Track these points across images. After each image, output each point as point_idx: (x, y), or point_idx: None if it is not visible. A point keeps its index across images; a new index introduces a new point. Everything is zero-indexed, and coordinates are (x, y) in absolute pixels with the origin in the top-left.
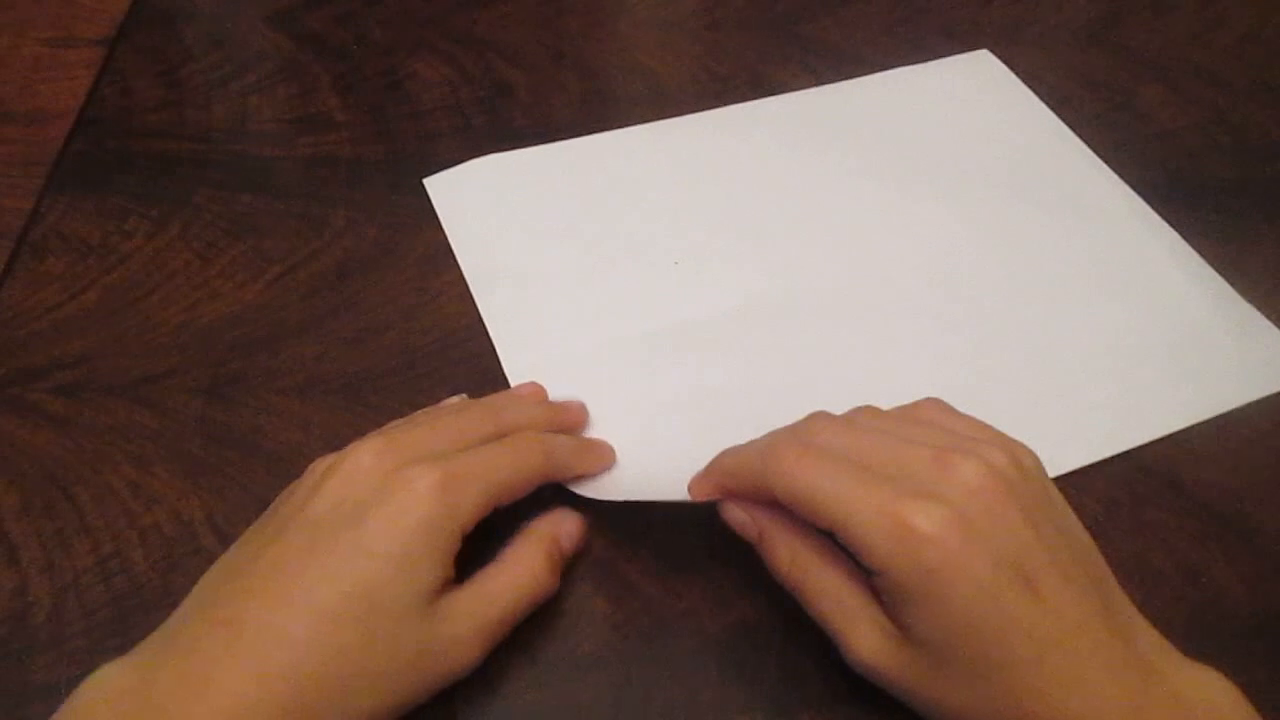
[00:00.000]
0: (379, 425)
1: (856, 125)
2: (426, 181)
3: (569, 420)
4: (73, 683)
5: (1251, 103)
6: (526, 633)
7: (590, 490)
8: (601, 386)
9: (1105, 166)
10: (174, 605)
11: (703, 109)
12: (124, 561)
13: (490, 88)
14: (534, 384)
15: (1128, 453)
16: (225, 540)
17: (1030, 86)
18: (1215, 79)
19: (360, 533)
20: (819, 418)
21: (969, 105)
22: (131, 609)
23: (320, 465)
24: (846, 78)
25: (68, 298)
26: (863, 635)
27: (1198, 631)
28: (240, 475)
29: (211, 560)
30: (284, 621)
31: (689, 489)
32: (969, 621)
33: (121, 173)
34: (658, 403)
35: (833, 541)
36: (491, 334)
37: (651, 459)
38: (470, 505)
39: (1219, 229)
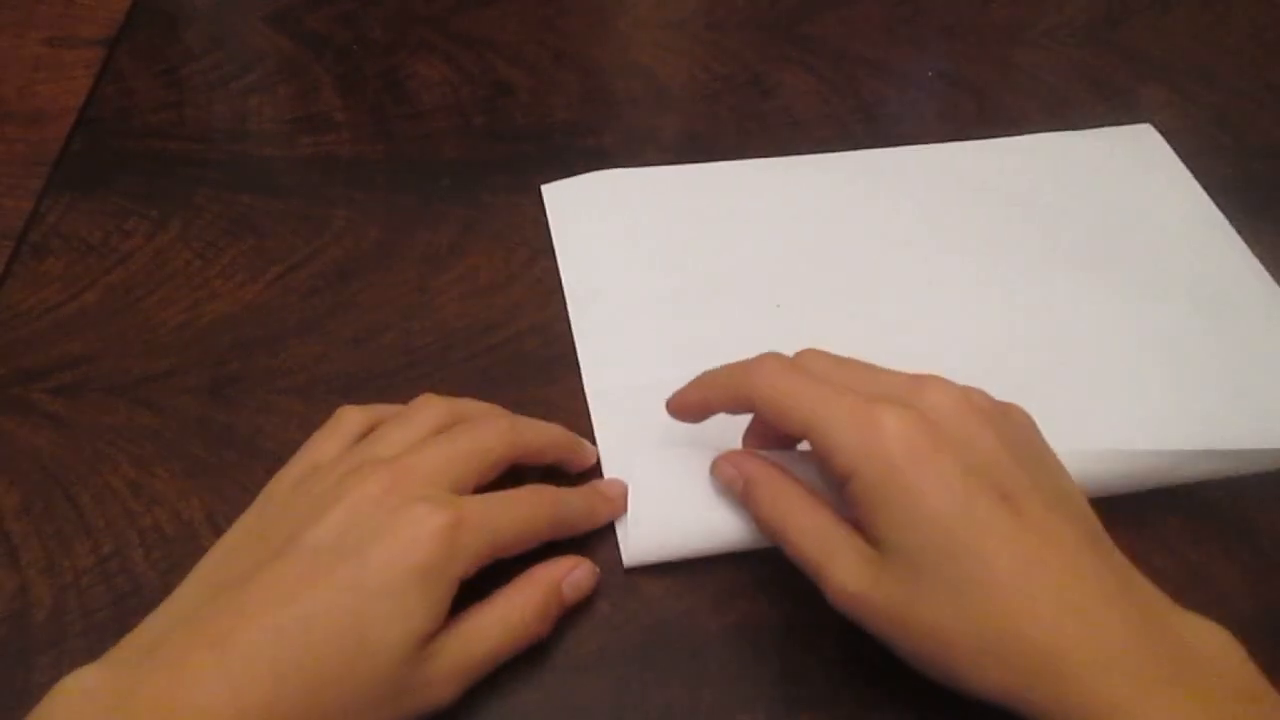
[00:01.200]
0: None
1: (993, 186)
2: (544, 188)
3: (584, 454)
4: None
5: (1252, 103)
6: None
7: (641, 554)
8: (686, 432)
9: (1257, 262)
10: None
11: (702, 109)
12: (124, 561)
13: (490, 88)
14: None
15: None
16: None
17: (1032, 87)
18: (1216, 79)
19: (360, 568)
20: (808, 350)
21: (1118, 180)
22: (132, 609)
23: (320, 453)
24: (847, 78)
25: (68, 298)
26: (841, 566)
27: None
28: (240, 475)
29: None
30: (273, 652)
31: (667, 405)
32: (941, 527)
33: (121, 173)
34: (731, 438)
35: (815, 492)
36: (579, 348)
37: (707, 505)
38: (472, 555)
39: None
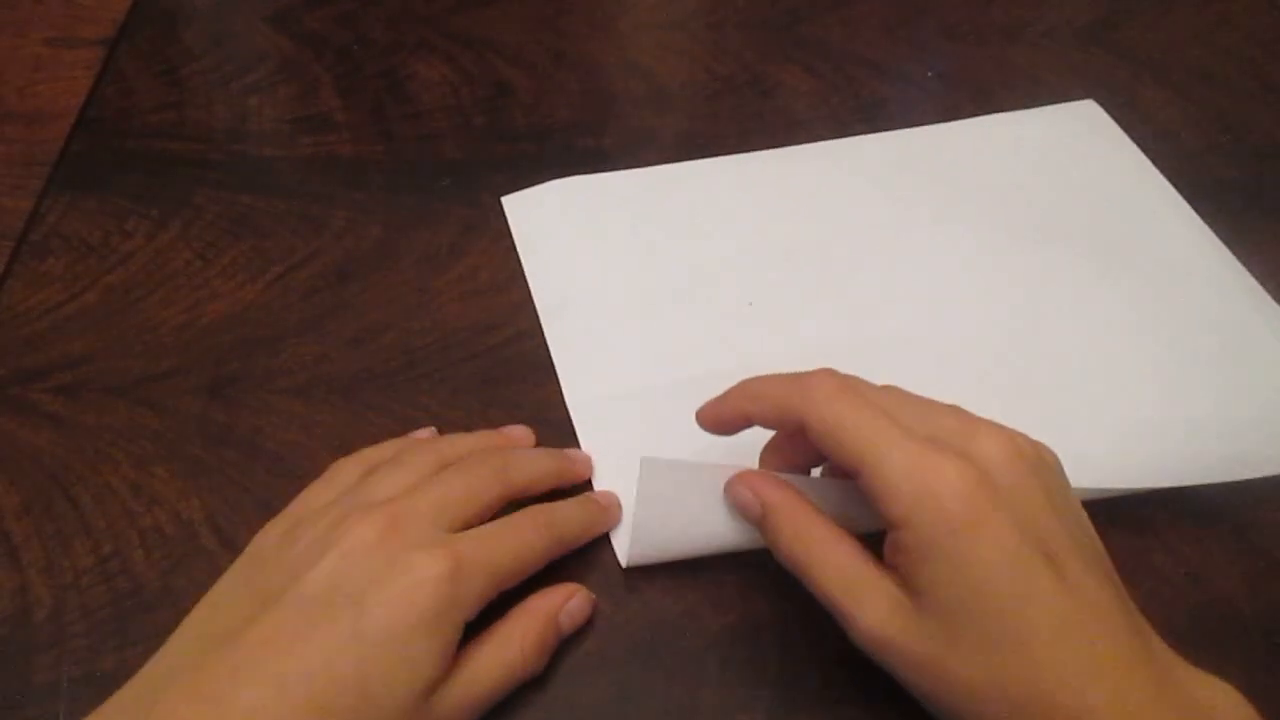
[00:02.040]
0: (379, 425)
1: (949, 170)
2: (505, 199)
3: (577, 473)
4: (74, 683)
5: (1251, 103)
6: None
7: (636, 556)
8: (664, 424)
9: (1208, 230)
10: (174, 605)
11: (702, 109)
12: (124, 561)
13: (490, 88)
14: (524, 428)
15: None
16: (225, 540)
17: (1032, 87)
18: (1215, 79)
19: (360, 619)
20: (854, 377)
21: (1068, 157)
22: (132, 609)
23: (313, 504)
24: (847, 78)
25: (68, 298)
26: (871, 607)
27: (1198, 631)
28: (240, 475)
29: (212, 561)
30: (276, 708)
31: (698, 416)
32: (990, 586)
33: (121, 173)
34: (723, 445)
35: (837, 524)
36: (555, 360)
37: (707, 507)
38: (475, 596)
39: (1219, 229)
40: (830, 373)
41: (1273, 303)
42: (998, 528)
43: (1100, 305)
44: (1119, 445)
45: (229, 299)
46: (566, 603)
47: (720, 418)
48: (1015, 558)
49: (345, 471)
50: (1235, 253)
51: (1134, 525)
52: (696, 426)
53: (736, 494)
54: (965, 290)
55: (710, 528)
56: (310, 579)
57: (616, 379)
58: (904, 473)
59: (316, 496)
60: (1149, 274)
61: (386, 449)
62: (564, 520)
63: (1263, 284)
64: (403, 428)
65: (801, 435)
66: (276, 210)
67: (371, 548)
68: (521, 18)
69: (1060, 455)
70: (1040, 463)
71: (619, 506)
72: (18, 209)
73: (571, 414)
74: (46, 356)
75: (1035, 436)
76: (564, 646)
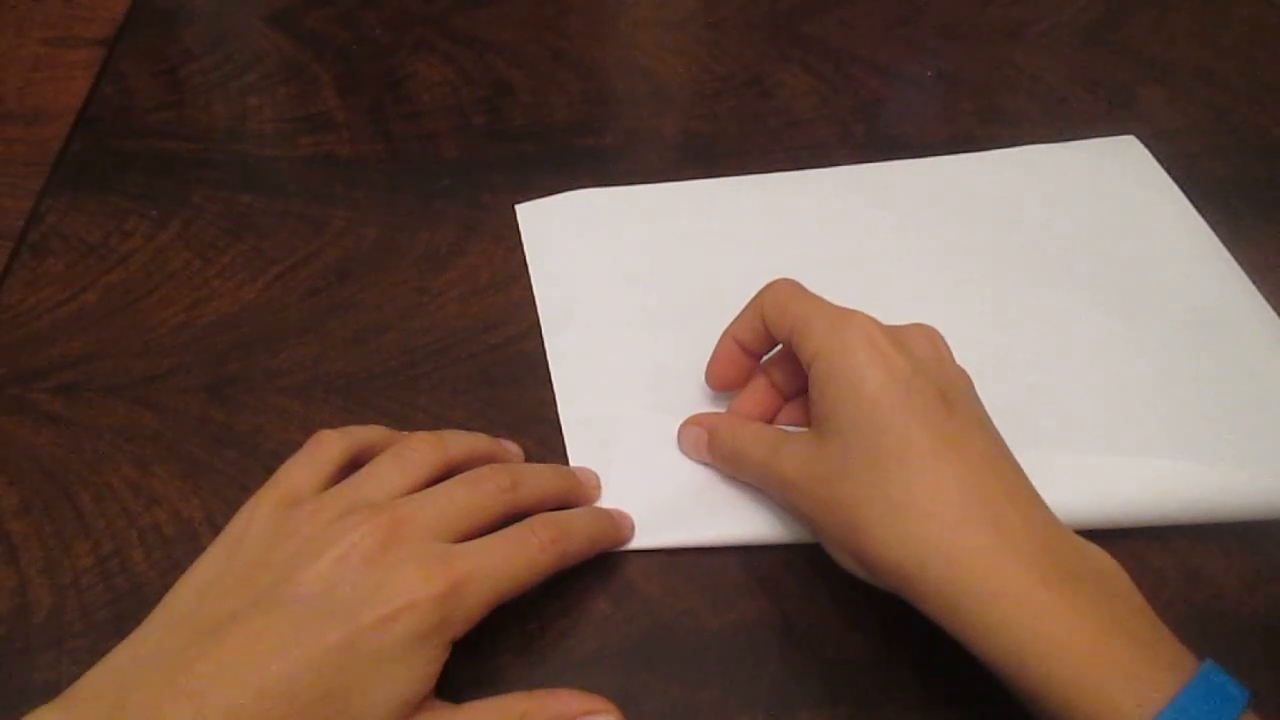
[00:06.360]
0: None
1: (977, 200)
2: (519, 208)
3: (586, 495)
4: (73, 682)
5: (1251, 103)
6: (526, 633)
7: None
8: (659, 447)
9: (1241, 271)
10: None
11: (702, 109)
12: (124, 561)
13: (490, 88)
14: (516, 446)
15: None
16: None
17: (1032, 87)
18: (1215, 79)
19: (350, 630)
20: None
21: (1103, 193)
22: (131, 609)
23: (298, 481)
24: (847, 78)
25: (68, 298)
26: (785, 455)
27: (1198, 631)
28: (240, 475)
29: None
30: (254, 712)
31: (707, 377)
32: (878, 405)
33: (121, 173)
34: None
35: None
36: (553, 374)
37: (696, 516)
38: (468, 615)
39: (1219, 229)
40: (785, 279)
41: None
42: (892, 359)
43: (1123, 348)
44: (1131, 489)
45: (228, 299)
46: (562, 707)
47: (719, 369)
48: (909, 385)
49: (330, 447)
50: (1235, 252)
51: (1134, 525)
52: (687, 450)
53: (686, 433)
54: (982, 325)
55: (692, 517)
56: (303, 580)
57: (613, 398)
58: (823, 319)
59: (301, 474)
60: (1179, 319)
61: (375, 432)
62: (572, 535)
63: (1260, 284)
64: (402, 427)
65: (765, 374)
66: (276, 210)
67: (369, 556)
68: (521, 18)
69: (1072, 494)
70: (939, 337)
71: (632, 526)
72: (17, 209)
73: (564, 431)
74: (46, 356)
75: (1045, 473)
76: (564, 646)
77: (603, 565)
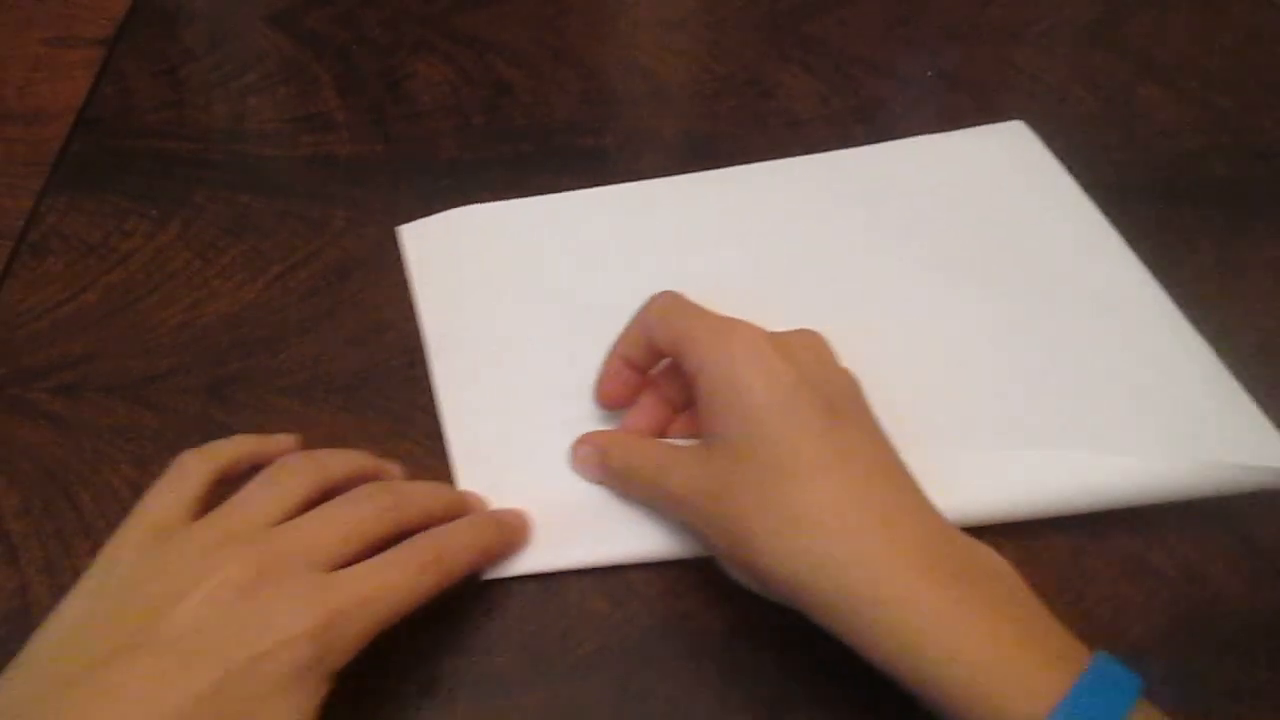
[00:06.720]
0: (378, 425)
1: (870, 195)
2: (401, 229)
3: (473, 510)
4: None
5: (1251, 103)
6: (526, 633)
7: (505, 568)
8: (553, 468)
9: (1132, 255)
10: None
11: (702, 109)
12: None
13: (490, 88)
14: (399, 467)
15: None
16: None
17: (1032, 87)
18: (1215, 78)
19: (223, 670)
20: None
21: (995, 180)
22: None
23: (161, 510)
24: (847, 78)
25: (68, 298)
26: (674, 472)
27: (1198, 631)
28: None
29: None
30: None
31: (597, 396)
32: (764, 417)
33: (121, 173)
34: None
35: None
36: (440, 403)
37: (593, 535)
38: (346, 647)
39: (1219, 229)
40: (668, 292)
41: (1194, 332)
42: (775, 367)
43: (1017, 337)
44: (1034, 471)
45: (228, 299)
46: None
47: (610, 387)
48: (791, 395)
49: (193, 471)
50: (1235, 252)
51: (1133, 525)
52: (580, 469)
53: (579, 452)
54: (874, 323)
55: (581, 538)
56: (172, 620)
57: (504, 420)
58: (706, 329)
59: (166, 503)
60: (1071, 300)
61: (241, 447)
62: (456, 550)
63: (1260, 283)
64: (402, 427)
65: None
66: (276, 210)
67: (240, 592)
68: (521, 18)
69: (979, 479)
70: (824, 342)
71: (526, 524)
72: (17, 209)
73: (452, 455)
74: (46, 356)
75: (942, 470)
76: (564, 646)
77: (603, 566)
